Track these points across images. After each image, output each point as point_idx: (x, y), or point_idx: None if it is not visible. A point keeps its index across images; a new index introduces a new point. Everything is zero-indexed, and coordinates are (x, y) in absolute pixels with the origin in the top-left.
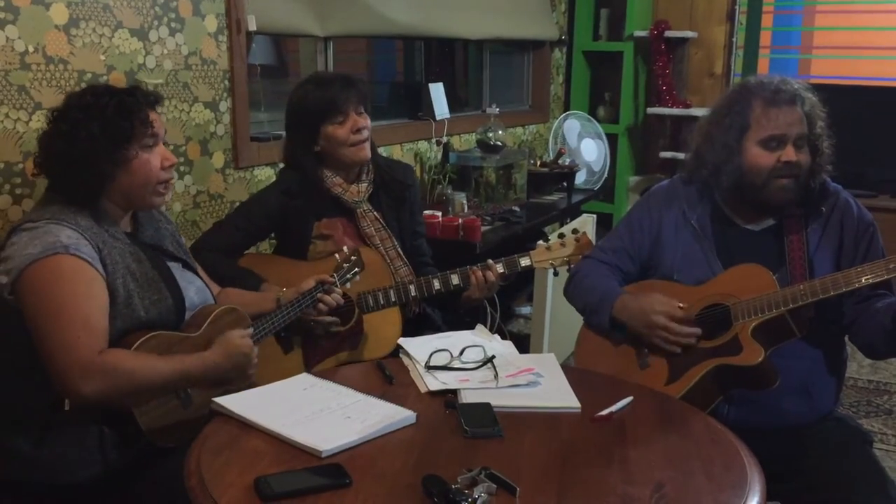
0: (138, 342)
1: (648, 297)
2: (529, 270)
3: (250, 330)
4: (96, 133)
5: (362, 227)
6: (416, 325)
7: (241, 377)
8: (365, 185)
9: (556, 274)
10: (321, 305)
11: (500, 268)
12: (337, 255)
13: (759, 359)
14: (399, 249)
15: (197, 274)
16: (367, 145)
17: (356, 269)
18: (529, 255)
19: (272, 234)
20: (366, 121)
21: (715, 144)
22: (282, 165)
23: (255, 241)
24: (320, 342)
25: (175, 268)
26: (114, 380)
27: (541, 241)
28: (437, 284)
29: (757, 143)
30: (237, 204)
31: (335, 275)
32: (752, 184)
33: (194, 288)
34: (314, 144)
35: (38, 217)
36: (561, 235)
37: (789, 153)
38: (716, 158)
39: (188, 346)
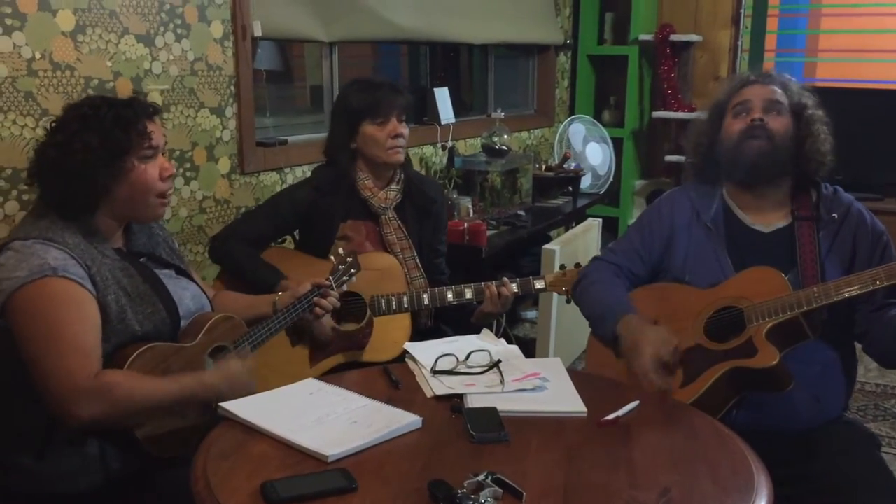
0: (133, 356)
1: (649, 327)
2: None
3: (251, 360)
4: (93, 145)
5: (385, 233)
6: (427, 338)
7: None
8: (394, 193)
9: (568, 301)
10: (317, 310)
11: (514, 287)
12: (332, 258)
13: (775, 361)
14: (418, 260)
15: (192, 279)
16: (402, 150)
17: (352, 270)
18: (545, 279)
19: (296, 231)
20: (405, 129)
21: (706, 132)
22: (290, 168)
23: (282, 234)
24: (329, 339)
25: (168, 275)
26: (109, 403)
27: (548, 245)
28: (450, 296)
29: (730, 114)
30: (243, 209)
31: (331, 278)
32: (727, 149)
33: (189, 294)
34: (351, 141)
35: (27, 234)
36: (577, 265)
37: (755, 112)
38: (711, 143)
39: (184, 357)
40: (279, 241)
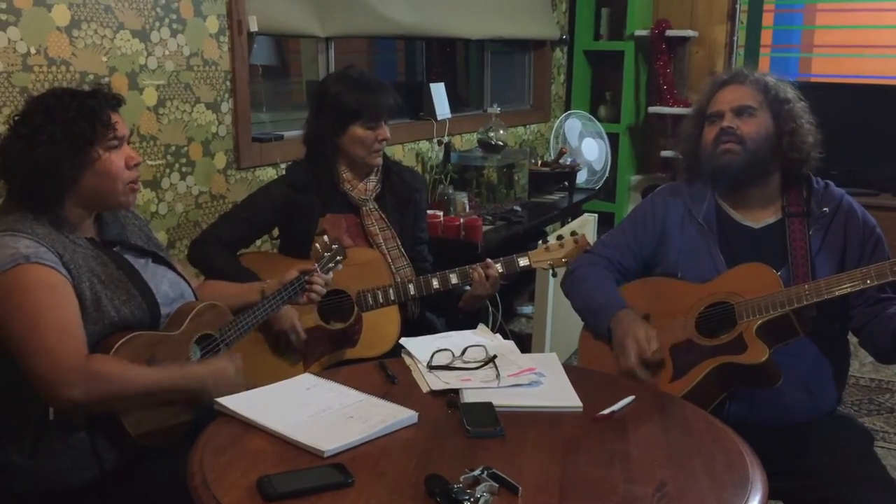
0: (119, 343)
1: (638, 325)
2: (528, 271)
3: (239, 362)
4: (58, 137)
5: (367, 224)
6: (417, 330)
7: (221, 395)
8: (373, 184)
9: (554, 275)
10: (312, 295)
11: (499, 267)
12: (317, 245)
13: (764, 357)
14: (402, 249)
15: (171, 267)
16: (381, 153)
17: (338, 258)
18: (528, 256)
19: (276, 230)
20: (389, 133)
21: (691, 138)
22: (286, 163)
23: (261, 234)
24: (319, 339)
25: (143, 263)
26: (100, 386)
27: (540, 242)
28: (435, 283)
29: (707, 123)
30: None
31: (317, 265)
32: (707, 158)
33: (167, 281)
34: (336, 137)
35: None
36: (560, 237)
37: (725, 120)
38: (696, 150)
39: (170, 345)
40: (273, 237)
